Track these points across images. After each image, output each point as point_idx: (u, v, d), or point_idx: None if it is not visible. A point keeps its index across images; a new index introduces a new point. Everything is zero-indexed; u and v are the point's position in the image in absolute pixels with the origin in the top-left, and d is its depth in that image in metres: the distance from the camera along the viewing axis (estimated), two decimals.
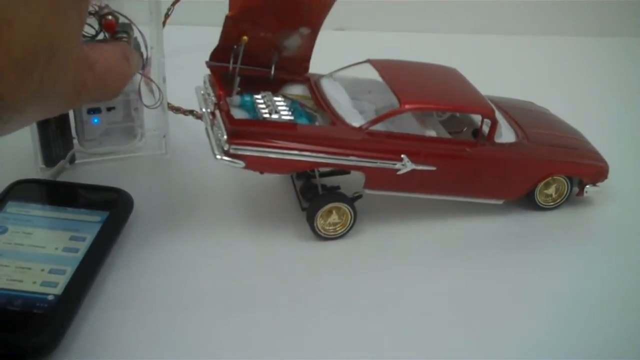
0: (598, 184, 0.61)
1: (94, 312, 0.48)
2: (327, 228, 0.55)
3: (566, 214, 0.60)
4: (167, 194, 0.60)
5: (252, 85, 0.57)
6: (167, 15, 0.74)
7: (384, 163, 0.53)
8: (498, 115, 0.57)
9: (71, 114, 0.60)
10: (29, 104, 0.39)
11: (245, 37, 0.54)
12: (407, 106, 0.54)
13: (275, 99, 0.56)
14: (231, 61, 0.56)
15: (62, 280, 0.48)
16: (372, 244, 0.56)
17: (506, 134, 0.58)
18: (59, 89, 0.40)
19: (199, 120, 0.65)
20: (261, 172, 0.53)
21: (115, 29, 0.55)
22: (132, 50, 0.53)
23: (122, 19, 0.56)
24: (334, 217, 0.55)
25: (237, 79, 0.55)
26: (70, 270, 0.48)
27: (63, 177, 0.59)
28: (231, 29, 0.53)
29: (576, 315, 0.51)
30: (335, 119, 0.54)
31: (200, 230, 0.56)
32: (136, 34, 0.57)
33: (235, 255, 0.54)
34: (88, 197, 0.56)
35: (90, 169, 0.61)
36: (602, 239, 0.59)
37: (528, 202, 0.60)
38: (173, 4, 0.74)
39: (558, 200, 0.60)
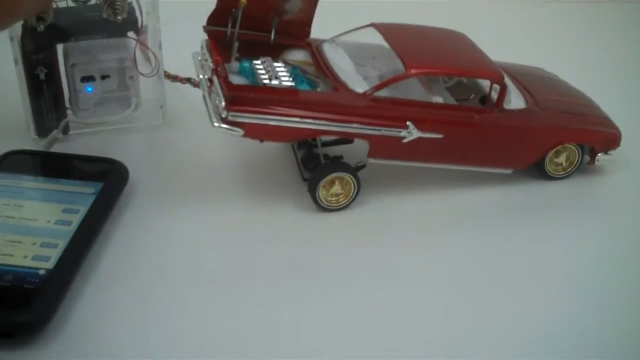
0: (610, 151, 0.58)
1: (87, 287, 0.46)
2: (330, 199, 0.53)
3: (577, 183, 0.58)
4: (164, 165, 0.58)
5: (251, 50, 0.55)
6: None
7: (388, 130, 0.51)
8: (507, 81, 0.55)
9: (64, 83, 0.58)
10: None
11: (244, 0, 0.51)
12: (412, 71, 0.51)
13: (276, 64, 0.54)
14: (229, 25, 0.53)
15: (54, 254, 0.46)
16: (376, 215, 0.54)
17: (515, 100, 0.56)
18: None
19: (197, 89, 0.63)
20: (261, 141, 0.52)
21: None
22: None
23: None
24: (336, 188, 0.53)
25: (236, 44, 0.53)
26: (62, 244, 0.47)
27: (56, 148, 0.57)
28: None
29: (587, 288, 0.49)
30: (337, 84, 0.52)
31: (199, 202, 0.54)
32: None
33: (234, 227, 0.53)
34: (82, 168, 0.54)
35: (84, 139, 0.59)
36: (615, 208, 0.57)
37: (538, 171, 0.57)
38: None
39: (569, 169, 0.58)
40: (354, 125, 0.51)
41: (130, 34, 0.57)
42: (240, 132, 0.49)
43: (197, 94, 0.62)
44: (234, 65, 0.53)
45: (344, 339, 0.44)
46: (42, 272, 0.45)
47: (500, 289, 0.48)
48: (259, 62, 0.54)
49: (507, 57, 0.62)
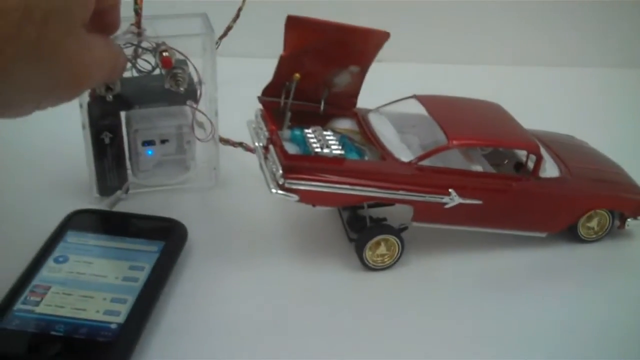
0: (639, 217, 0.62)
1: (153, 340, 0.50)
2: (375, 259, 0.57)
3: (608, 247, 0.61)
4: (217, 225, 0.62)
5: (301, 119, 0.59)
6: (229, 28, 0.77)
7: (432, 197, 0.55)
8: (542, 150, 0.59)
9: (126, 146, 0.62)
10: (26, 63, 0.39)
11: (297, 75, 0.56)
12: (454, 142, 0.55)
13: (325, 133, 0.58)
14: (282, 97, 0.58)
15: (124, 309, 0.49)
16: (417, 276, 0.58)
17: (550, 169, 0.59)
18: (60, 57, 0.41)
19: (248, 152, 0.67)
20: (313, 205, 0.55)
21: (172, 65, 0.58)
22: (124, 60, 0.53)
23: (177, 55, 0.59)
24: (382, 249, 0.57)
25: (289, 114, 0.57)
26: (131, 299, 0.50)
27: (117, 207, 0.61)
28: (284, 67, 0.55)
29: (619, 349, 0.52)
30: (385, 153, 0.56)
31: (251, 260, 0.58)
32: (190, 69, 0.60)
33: (286, 284, 0.56)
34: (144, 227, 0.58)
35: (142, 199, 0.63)
36: None
37: (570, 234, 0.61)
38: (220, 38, 0.76)
39: (600, 233, 0.61)
40: (401, 192, 0.55)
41: (189, 102, 0.61)
42: (296, 197, 0.53)
43: (247, 157, 0.67)
44: (286, 133, 0.57)
45: None
46: (114, 326, 0.48)
47: (536, 348, 0.51)
48: (310, 130, 0.57)
49: (536, 123, 0.66)
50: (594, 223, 0.61)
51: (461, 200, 0.55)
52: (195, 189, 0.65)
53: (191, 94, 0.61)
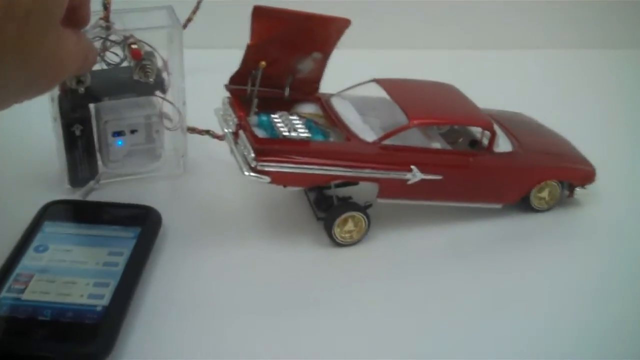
0: (586, 186, 0.66)
1: (137, 320, 0.52)
2: (344, 235, 0.60)
3: (558, 215, 0.66)
4: (189, 210, 0.64)
5: (267, 105, 0.61)
6: (189, 20, 0.79)
7: (396, 174, 0.58)
8: (495, 127, 0.62)
9: (95, 137, 0.64)
10: (8, 58, 0.40)
11: (263, 63, 0.58)
12: (415, 121, 0.59)
13: (291, 117, 0.60)
14: (249, 84, 0.60)
15: (107, 292, 0.51)
16: (384, 249, 0.61)
17: (503, 144, 0.63)
18: (40, 53, 0.42)
19: (214, 140, 0.69)
20: (284, 186, 0.58)
21: (141, 57, 0.60)
22: (95, 54, 0.55)
23: (145, 47, 0.61)
24: (349, 225, 0.59)
25: (255, 100, 0.60)
26: (113, 283, 0.52)
27: (90, 197, 0.63)
28: (251, 55, 0.58)
29: (571, 310, 0.56)
30: (349, 134, 0.59)
31: (224, 242, 0.60)
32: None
33: (258, 263, 0.59)
34: (119, 214, 0.60)
35: (113, 188, 0.65)
36: (591, 236, 0.64)
37: (524, 205, 0.65)
38: (193, 12, 0.79)
39: (551, 203, 0.65)
40: (366, 170, 0.58)
41: (157, 92, 0.63)
42: (268, 179, 0.55)
43: (213, 145, 0.69)
44: (254, 119, 0.60)
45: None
46: (99, 308, 0.50)
47: (496, 314, 0.55)
48: (276, 115, 0.60)
49: (489, 103, 0.69)
50: (545, 193, 0.64)
51: (423, 176, 0.59)
52: (164, 177, 0.67)
53: (159, 85, 0.63)
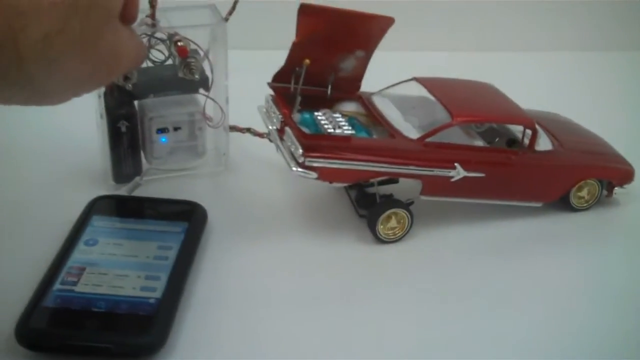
0: (625, 185, 0.66)
1: (188, 312, 0.52)
2: (387, 232, 0.60)
3: (597, 214, 0.66)
4: (232, 206, 0.65)
5: (309, 103, 0.62)
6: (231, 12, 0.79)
7: (439, 171, 0.59)
8: (537, 124, 0.63)
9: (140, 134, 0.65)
10: (71, 52, 0.41)
11: (307, 61, 0.59)
12: (458, 119, 0.59)
13: (334, 115, 0.61)
14: (292, 82, 0.61)
15: (159, 285, 0.52)
16: (425, 247, 0.61)
17: (544, 143, 0.63)
18: (100, 47, 0.43)
19: (255, 138, 0.70)
20: (330, 182, 0.58)
21: (188, 54, 0.61)
22: (144, 49, 0.55)
23: (190, 45, 0.61)
24: (392, 222, 0.60)
25: (299, 98, 0.60)
26: (164, 276, 0.53)
27: (136, 193, 0.64)
28: (296, 53, 0.59)
29: (609, 310, 0.56)
30: (393, 132, 0.60)
31: (267, 237, 0.61)
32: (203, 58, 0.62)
33: (303, 258, 0.59)
34: (166, 210, 0.61)
35: (157, 184, 0.66)
36: (630, 236, 0.65)
37: (563, 204, 0.65)
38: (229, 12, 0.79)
39: (591, 202, 0.65)
40: (410, 167, 0.58)
41: (201, 90, 0.64)
42: (315, 175, 0.56)
43: (252, 144, 0.70)
44: (297, 116, 0.60)
45: (398, 351, 0.51)
46: (152, 300, 0.51)
47: (536, 304, 0.56)
48: (320, 113, 0.61)
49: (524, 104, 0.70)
50: (584, 192, 0.65)
51: (465, 174, 0.59)
52: (206, 174, 0.68)
53: (203, 83, 0.64)
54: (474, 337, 0.53)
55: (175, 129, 0.65)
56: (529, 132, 0.62)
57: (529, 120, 0.62)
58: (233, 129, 0.70)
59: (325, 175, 0.57)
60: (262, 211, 0.64)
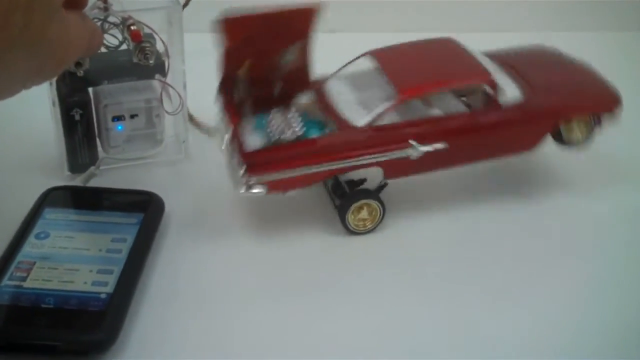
0: (615, 111, 0.62)
1: (142, 307, 0.51)
2: (357, 223, 0.58)
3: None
4: (191, 196, 0.63)
5: (266, 103, 0.59)
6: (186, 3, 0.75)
7: (395, 153, 0.57)
8: (501, 74, 0.60)
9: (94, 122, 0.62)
10: (16, 48, 0.40)
11: (247, 62, 0.56)
12: (404, 95, 0.56)
13: (287, 114, 0.58)
14: (236, 88, 0.58)
15: (112, 279, 0.50)
16: (396, 238, 0.59)
17: (511, 91, 0.60)
18: (47, 40, 0.42)
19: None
20: (284, 193, 0.57)
21: (141, 39, 0.58)
22: (100, 35, 0.54)
23: (144, 29, 0.59)
24: (363, 214, 0.58)
25: (246, 105, 0.58)
26: (117, 270, 0.51)
27: (91, 183, 0.61)
28: (230, 58, 0.55)
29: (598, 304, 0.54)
30: (340, 123, 0.57)
31: (230, 228, 0.59)
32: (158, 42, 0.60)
33: (265, 250, 0.57)
34: (121, 200, 0.59)
35: (114, 174, 0.64)
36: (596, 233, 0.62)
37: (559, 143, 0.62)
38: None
39: (586, 135, 0.62)
40: (363, 158, 0.56)
41: (157, 76, 0.62)
42: (263, 190, 0.55)
43: None
44: (252, 121, 0.58)
45: (368, 343, 0.50)
46: (103, 295, 0.49)
47: (506, 300, 0.54)
48: (270, 116, 0.58)
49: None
50: (575, 127, 0.62)
51: (425, 149, 0.57)
52: (165, 163, 0.66)
53: (159, 68, 0.62)
54: (438, 330, 0.51)
55: (132, 116, 0.62)
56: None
57: (484, 77, 0.59)
58: (197, 125, 0.68)
59: (275, 187, 0.55)
60: (223, 202, 0.62)
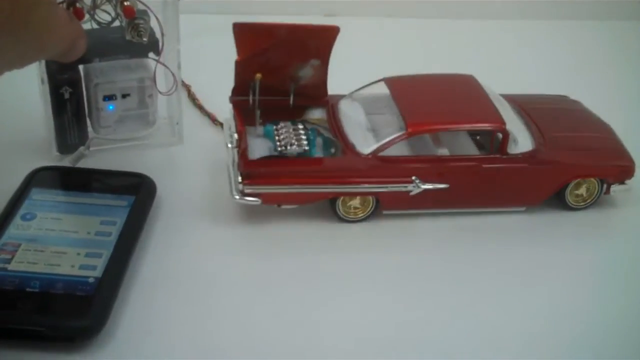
0: (626, 181, 0.61)
1: (132, 292, 0.49)
2: (349, 212, 0.57)
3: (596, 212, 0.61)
4: (184, 179, 0.61)
5: (277, 112, 0.59)
6: None
7: (395, 187, 0.56)
8: (515, 123, 0.59)
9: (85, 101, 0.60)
10: (2, 32, 0.41)
11: (259, 75, 0.56)
12: (412, 129, 0.56)
13: (296, 127, 0.58)
14: (250, 95, 0.58)
15: (100, 263, 0.49)
16: (392, 226, 0.58)
17: (522, 142, 0.58)
18: (31, 25, 0.43)
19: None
20: (278, 206, 0.56)
21: (134, 15, 0.56)
22: (84, 39, 0.54)
23: (138, 5, 0.57)
24: (355, 202, 0.57)
25: (258, 112, 0.58)
26: (106, 253, 0.50)
27: (81, 164, 0.59)
28: (243, 70, 0.56)
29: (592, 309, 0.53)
30: (346, 147, 0.57)
31: (222, 214, 0.58)
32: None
33: (260, 237, 0.56)
34: (112, 182, 0.57)
35: (105, 155, 0.62)
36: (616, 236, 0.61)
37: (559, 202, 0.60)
38: None
39: (589, 200, 0.61)
40: (362, 186, 0.55)
41: (151, 54, 0.60)
42: (258, 201, 0.55)
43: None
44: (259, 129, 0.58)
45: (360, 334, 0.49)
46: (91, 280, 0.47)
47: (502, 308, 0.52)
48: (279, 127, 0.58)
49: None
50: (582, 190, 0.60)
51: (425, 187, 0.56)
52: (158, 145, 0.64)
53: (153, 46, 0.59)
54: (429, 319, 0.50)
55: (124, 96, 0.60)
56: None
57: (497, 123, 0.57)
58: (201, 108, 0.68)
59: (269, 199, 0.55)
60: (217, 185, 0.60)
